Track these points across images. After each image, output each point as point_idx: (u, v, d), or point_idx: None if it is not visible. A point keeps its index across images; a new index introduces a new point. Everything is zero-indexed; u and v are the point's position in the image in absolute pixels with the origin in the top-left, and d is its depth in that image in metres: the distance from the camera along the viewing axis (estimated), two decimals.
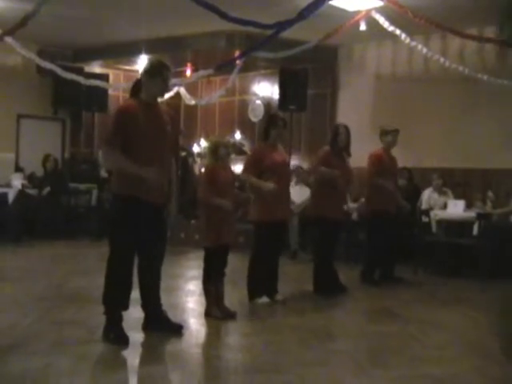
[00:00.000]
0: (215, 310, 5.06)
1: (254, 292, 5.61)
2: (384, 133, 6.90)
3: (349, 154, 6.31)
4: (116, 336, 4.26)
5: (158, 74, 4.32)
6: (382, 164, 6.81)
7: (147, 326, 4.56)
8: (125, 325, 4.38)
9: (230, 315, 5.07)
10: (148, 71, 4.36)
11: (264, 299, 5.60)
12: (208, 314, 5.08)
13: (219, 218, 4.98)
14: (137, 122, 4.22)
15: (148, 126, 4.25)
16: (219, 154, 5.06)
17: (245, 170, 5.66)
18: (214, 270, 5.08)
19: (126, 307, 4.39)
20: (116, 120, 4.28)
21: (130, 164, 4.17)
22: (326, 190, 6.16)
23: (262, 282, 5.64)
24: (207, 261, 5.10)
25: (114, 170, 4.46)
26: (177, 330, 4.57)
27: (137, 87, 4.41)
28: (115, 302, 4.35)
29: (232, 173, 5.39)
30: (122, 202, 4.30)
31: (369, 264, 6.85)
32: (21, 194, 9.61)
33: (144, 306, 4.56)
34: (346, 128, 6.27)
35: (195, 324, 5.00)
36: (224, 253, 5.11)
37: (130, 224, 4.27)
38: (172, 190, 4.55)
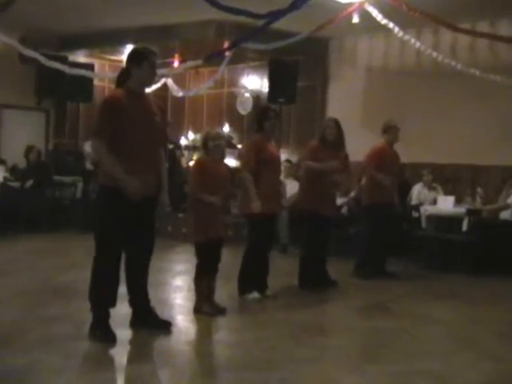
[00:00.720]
0: (205, 306, 4.95)
1: (244, 287, 5.52)
2: (385, 128, 6.84)
3: (342, 149, 6.17)
4: (103, 333, 4.14)
5: (144, 61, 4.18)
6: (384, 159, 6.75)
7: (135, 322, 4.45)
8: (112, 321, 4.27)
9: (219, 311, 4.97)
10: (134, 59, 4.22)
11: (254, 295, 5.51)
12: (198, 310, 4.98)
13: (208, 212, 4.87)
14: (124, 113, 4.08)
15: (136, 117, 4.12)
16: (208, 146, 4.94)
17: (246, 163, 5.52)
18: (206, 266, 4.97)
19: (113, 304, 4.27)
20: (103, 111, 4.14)
21: (115, 168, 4.04)
22: (316, 185, 6.07)
23: (253, 276, 5.55)
24: (199, 256, 4.98)
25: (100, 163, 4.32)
26: (165, 326, 4.46)
27: (123, 77, 4.26)
28: (102, 299, 4.23)
29: (225, 166, 5.28)
30: (108, 193, 4.17)
31: (365, 258, 6.79)
32: (3, 186, 9.40)
33: (132, 302, 4.45)
34: (336, 122, 6.15)
35: (184, 320, 4.89)
36: (216, 248, 4.99)
37: (116, 216, 4.15)
38: (163, 180, 4.43)
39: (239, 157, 5.70)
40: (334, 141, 6.10)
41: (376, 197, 6.76)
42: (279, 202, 5.70)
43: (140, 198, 4.08)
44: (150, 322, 4.43)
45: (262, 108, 6.14)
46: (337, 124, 6.12)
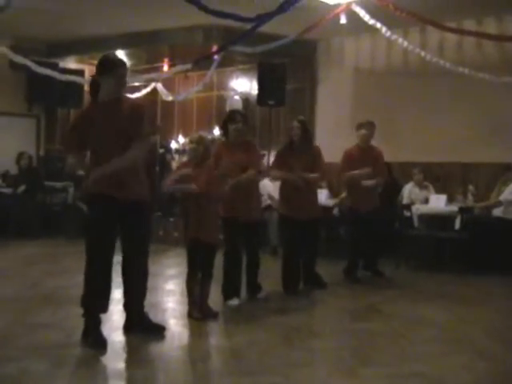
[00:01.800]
0: (197, 311, 4.94)
1: (226, 292, 5.48)
2: (357, 126, 6.80)
3: (310, 149, 6.06)
4: (94, 340, 4.13)
5: (110, 72, 4.14)
6: (351, 160, 6.66)
7: (128, 327, 4.44)
8: (105, 326, 4.25)
9: (211, 315, 4.96)
10: (100, 70, 4.19)
11: (234, 301, 5.44)
12: (190, 315, 4.97)
13: (199, 215, 4.86)
14: (92, 125, 4.13)
15: (104, 127, 4.12)
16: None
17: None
18: (198, 269, 4.95)
19: (105, 310, 4.27)
20: (72, 124, 4.27)
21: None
22: (283, 190, 6.10)
23: (231, 281, 5.49)
24: (190, 259, 4.97)
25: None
26: (159, 331, 4.46)
27: (94, 88, 4.25)
28: (94, 305, 4.22)
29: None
30: (93, 199, 4.19)
31: (350, 261, 6.78)
32: None
33: (126, 306, 4.45)
34: (302, 122, 6.05)
35: (177, 324, 4.87)
36: (208, 252, 4.96)
37: (103, 222, 4.14)
38: (152, 178, 4.49)
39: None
40: (299, 142, 6.01)
41: (352, 201, 6.77)
42: (249, 208, 5.49)
43: (120, 194, 4.10)
44: (143, 327, 4.42)
45: (228, 112, 5.97)
46: (303, 125, 6.03)
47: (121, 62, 4.26)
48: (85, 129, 4.15)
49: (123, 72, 4.22)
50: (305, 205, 5.99)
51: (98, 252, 4.19)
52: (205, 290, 5.00)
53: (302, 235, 6.03)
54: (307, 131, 6.09)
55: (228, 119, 5.52)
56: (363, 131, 6.71)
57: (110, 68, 4.16)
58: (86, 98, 10.93)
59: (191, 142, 4.96)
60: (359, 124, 6.80)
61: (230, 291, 5.47)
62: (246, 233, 5.55)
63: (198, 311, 4.93)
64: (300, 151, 6.01)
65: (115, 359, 3.99)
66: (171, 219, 9.28)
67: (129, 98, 4.49)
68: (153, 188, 4.63)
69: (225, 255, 5.49)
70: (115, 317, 4.60)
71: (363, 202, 6.60)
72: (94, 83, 4.25)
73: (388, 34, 7.63)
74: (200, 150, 4.90)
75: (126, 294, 4.43)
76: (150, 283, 6.37)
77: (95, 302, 4.22)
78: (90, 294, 4.20)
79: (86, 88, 11.11)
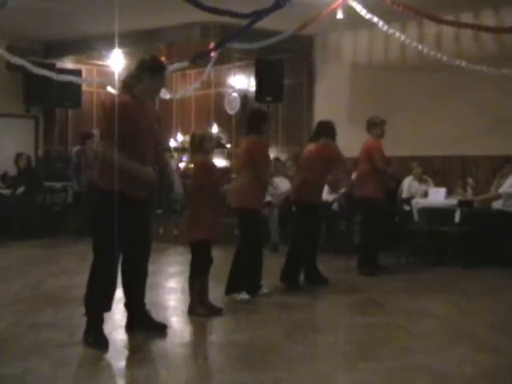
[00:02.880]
0: (199, 308, 4.95)
1: (234, 286, 5.50)
2: (373, 125, 6.89)
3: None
4: (95, 339, 4.12)
5: (159, 74, 4.25)
6: (382, 152, 6.86)
7: (130, 325, 4.44)
8: (107, 325, 4.26)
9: (215, 312, 4.97)
10: (150, 69, 4.22)
11: (243, 295, 5.47)
12: (192, 312, 4.96)
13: (205, 212, 4.87)
14: (132, 119, 4.11)
15: (142, 124, 4.16)
16: (204, 146, 4.95)
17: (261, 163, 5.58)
18: (201, 266, 4.98)
19: (108, 309, 4.26)
20: (112, 115, 4.08)
21: (130, 162, 4.07)
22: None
23: (245, 276, 5.54)
24: (195, 256, 4.99)
25: (114, 166, 4.16)
26: (161, 329, 4.46)
27: (132, 82, 4.23)
28: (98, 305, 4.21)
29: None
30: (108, 198, 4.10)
31: (369, 251, 6.82)
32: None
33: (127, 306, 4.45)
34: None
35: (179, 322, 4.88)
36: (210, 248, 5.01)
37: (115, 221, 4.08)
38: (171, 176, 4.52)
39: (243, 157, 5.70)
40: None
41: (374, 190, 6.79)
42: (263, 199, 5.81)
43: (146, 194, 4.17)
44: (145, 325, 4.42)
45: (260, 111, 6.15)
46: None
47: (166, 65, 4.40)
48: (125, 122, 4.04)
49: (165, 77, 4.38)
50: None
51: (107, 251, 4.14)
52: (206, 285, 5.01)
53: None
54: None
55: (261, 118, 5.66)
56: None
57: (158, 70, 4.26)
58: (84, 97, 10.97)
59: (211, 138, 5.12)
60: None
61: (239, 285, 5.53)
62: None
63: (201, 308, 4.94)
64: None
65: (117, 358, 4.00)
66: (171, 217, 9.28)
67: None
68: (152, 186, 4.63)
69: (245, 249, 5.51)
70: (117, 315, 4.60)
71: (382, 191, 6.78)
72: (135, 78, 4.22)
73: (385, 28, 7.63)
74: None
75: (127, 293, 4.42)
76: (152, 281, 6.37)
77: (100, 301, 4.20)
78: (96, 293, 4.18)
79: (84, 87, 11.15)
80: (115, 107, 4.11)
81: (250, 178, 5.49)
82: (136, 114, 4.14)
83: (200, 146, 4.95)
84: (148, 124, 4.23)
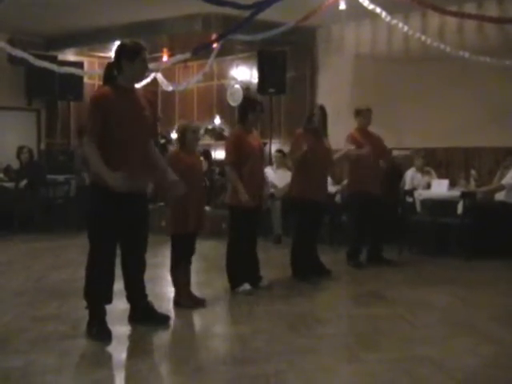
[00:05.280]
0: (184, 299, 4.99)
1: (234, 280, 5.50)
2: (356, 113, 6.88)
3: (325, 135, 6.22)
4: (98, 331, 4.13)
5: (137, 56, 4.12)
6: (356, 143, 6.74)
7: (133, 317, 4.46)
8: (110, 317, 4.27)
9: (199, 303, 5.00)
10: (126, 54, 4.13)
11: (245, 287, 5.47)
12: (177, 303, 5.01)
13: (185, 205, 4.86)
14: (113, 110, 4.03)
15: (125, 113, 4.07)
16: (187, 138, 4.94)
17: (228, 156, 5.50)
18: (182, 257, 5.01)
19: (109, 300, 4.27)
20: (92, 109, 4.07)
21: (100, 165, 3.98)
22: (305, 173, 6.06)
23: (240, 269, 5.51)
24: (175, 248, 5.03)
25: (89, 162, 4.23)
26: (164, 321, 4.48)
27: (112, 72, 4.20)
28: (98, 296, 4.22)
29: (199, 159, 5.31)
30: (100, 191, 4.10)
31: (352, 246, 6.81)
32: None
33: (129, 298, 4.45)
34: (322, 108, 6.21)
35: (181, 314, 4.88)
36: (192, 239, 5.04)
37: (109, 213, 4.12)
38: (163, 168, 4.39)
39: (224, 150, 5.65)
40: (319, 127, 6.16)
41: (356, 184, 6.79)
42: (261, 194, 5.58)
43: (126, 189, 4.00)
44: (148, 317, 4.43)
45: (250, 99, 5.96)
46: (323, 111, 6.19)
47: (143, 45, 4.21)
48: (106, 113, 4.01)
49: (146, 55, 4.22)
50: (323, 187, 6.20)
51: (102, 243, 4.16)
52: (189, 277, 5.07)
53: (318, 218, 6.14)
54: (326, 116, 6.22)
55: (249, 107, 5.50)
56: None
57: (136, 51, 4.12)
58: (86, 90, 10.94)
59: (194, 131, 5.05)
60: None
61: (238, 279, 5.52)
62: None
63: (187, 299, 4.99)
64: (321, 137, 6.17)
65: (121, 350, 4.02)
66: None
67: (138, 88, 4.47)
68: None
69: (231, 244, 5.51)
70: (120, 307, 4.61)
71: (372, 184, 6.68)
72: (114, 67, 4.17)
73: (388, 19, 7.59)
74: (199, 139, 5.04)
75: (128, 286, 4.41)
76: (154, 274, 6.41)
77: (100, 293, 4.21)
78: (94, 285, 4.19)
79: (86, 80, 11.13)
80: (94, 100, 4.08)
81: (230, 174, 5.45)
82: (117, 105, 4.05)
83: (183, 138, 4.94)
84: (135, 112, 4.13)
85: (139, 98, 4.26)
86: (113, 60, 4.22)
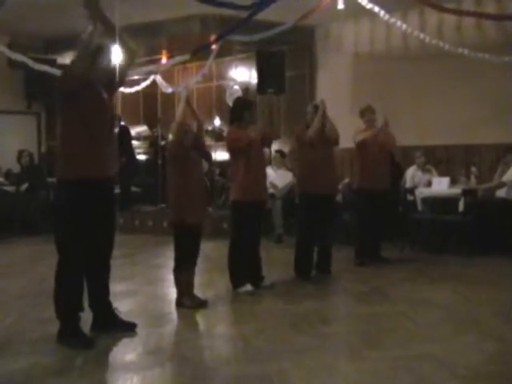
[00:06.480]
0: (186, 300, 4.99)
1: (236, 281, 5.50)
2: (360, 113, 6.90)
3: (324, 128, 6.14)
4: (79, 340, 3.98)
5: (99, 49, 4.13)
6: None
7: (96, 327, 4.24)
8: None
9: (201, 304, 4.99)
10: (86, 48, 4.17)
11: (247, 287, 5.48)
12: (179, 304, 5.01)
13: (185, 197, 4.88)
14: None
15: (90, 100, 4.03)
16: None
17: (234, 144, 5.52)
18: (186, 257, 5.00)
19: (82, 308, 4.11)
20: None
21: None
22: (308, 169, 6.09)
23: (242, 269, 5.51)
24: (178, 249, 5.01)
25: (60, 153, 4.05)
26: (130, 329, 4.29)
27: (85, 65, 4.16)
28: (73, 305, 4.03)
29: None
30: (69, 187, 3.96)
31: (357, 244, 6.81)
32: None
33: (92, 306, 4.23)
34: (315, 106, 6.21)
35: (183, 315, 4.88)
36: (196, 238, 5.01)
37: (80, 212, 3.93)
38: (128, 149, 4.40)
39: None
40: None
41: (359, 183, 6.80)
42: (266, 189, 5.67)
43: (105, 172, 3.97)
44: (112, 326, 4.25)
45: (245, 100, 6.14)
46: (316, 109, 6.18)
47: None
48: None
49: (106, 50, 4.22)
50: (328, 180, 6.12)
51: (75, 246, 3.98)
52: (192, 277, 5.07)
53: (321, 213, 6.06)
54: (322, 110, 6.18)
55: (245, 106, 5.61)
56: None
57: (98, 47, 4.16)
58: None
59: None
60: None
61: (240, 279, 5.52)
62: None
63: (188, 300, 4.99)
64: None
65: (123, 351, 4.01)
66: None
67: None
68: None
69: (233, 244, 5.50)
70: (121, 309, 4.60)
71: (377, 180, 6.68)
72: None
73: (386, 17, 7.59)
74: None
75: (93, 291, 4.18)
76: (156, 275, 6.43)
77: (74, 302, 4.03)
78: (69, 294, 4.00)
79: None
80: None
81: (233, 171, 5.49)
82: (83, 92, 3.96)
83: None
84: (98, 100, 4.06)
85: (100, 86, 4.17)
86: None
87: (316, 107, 6.19)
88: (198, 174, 5.11)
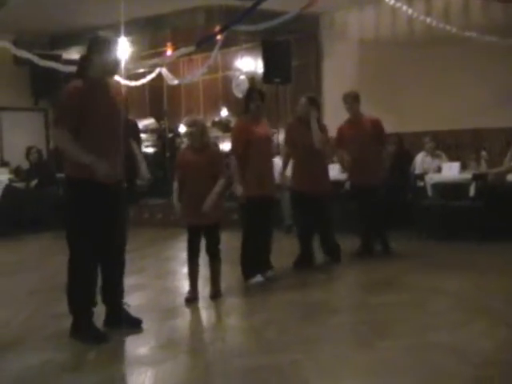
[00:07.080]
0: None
1: (247, 272, 5.51)
2: (354, 99, 6.60)
3: (319, 122, 6.11)
4: (92, 335, 4.01)
5: (105, 48, 4.07)
6: (340, 135, 6.60)
7: (108, 322, 4.26)
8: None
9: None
10: (95, 46, 4.08)
11: (258, 278, 5.49)
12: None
13: (189, 196, 4.92)
14: (85, 102, 3.95)
15: (99, 104, 4.00)
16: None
17: (232, 147, 5.53)
18: (194, 250, 5.01)
19: (95, 303, 4.14)
20: (63, 101, 4.01)
21: (81, 152, 3.90)
22: (296, 166, 6.13)
23: (254, 260, 5.52)
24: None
25: (64, 152, 4.10)
26: (136, 325, 4.28)
27: (84, 65, 4.16)
28: (86, 300, 4.06)
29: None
30: (77, 186, 4.00)
31: (363, 235, 6.77)
32: (8, 188, 9.45)
33: (105, 301, 4.24)
34: (310, 99, 6.09)
35: (194, 307, 4.90)
36: (208, 232, 5.04)
37: (89, 210, 3.96)
38: (136, 158, 4.42)
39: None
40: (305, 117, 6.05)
41: (348, 177, 6.81)
42: (272, 183, 5.62)
43: (112, 179, 3.95)
44: (121, 321, 4.26)
45: (247, 89, 6.07)
46: (309, 101, 6.07)
47: (113, 37, 4.21)
48: (79, 106, 3.93)
49: (115, 48, 4.17)
50: (315, 178, 6.06)
51: (85, 242, 4.00)
52: (217, 267, 5.11)
53: (311, 209, 6.06)
54: (317, 105, 6.17)
55: (247, 97, 5.57)
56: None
57: (104, 44, 4.08)
58: None
59: (188, 125, 5.03)
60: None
61: (252, 271, 5.54)
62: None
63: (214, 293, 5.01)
64: (308, 127, 5.99)
65: (136, 344, 4.03)
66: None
67: (109, 80, 4.32)
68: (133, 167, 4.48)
69: (245, 236, 5.51)
70: (133, 303, 4.61)
71: (360, 176, 6.49)
72: (85, 60, 4.12)
73: (392, 2, 7.52)
74: (197, 133, 4.92)
75: (107, 287, 4.20)
76: (167, 267, 6.45)
77: (87, 296, 4.06)
78: (81, 289, 4.03)
79: None
80: (66, 94, 4.02)
81: (232, 165, 5.48)
82: (90, 96, 3.96)
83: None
84: (108, 103, 4.06)
85: (113, 92, 4.19)
86: (86, 53, 4.19)
87: (310, 99, 6.06)
88: None
